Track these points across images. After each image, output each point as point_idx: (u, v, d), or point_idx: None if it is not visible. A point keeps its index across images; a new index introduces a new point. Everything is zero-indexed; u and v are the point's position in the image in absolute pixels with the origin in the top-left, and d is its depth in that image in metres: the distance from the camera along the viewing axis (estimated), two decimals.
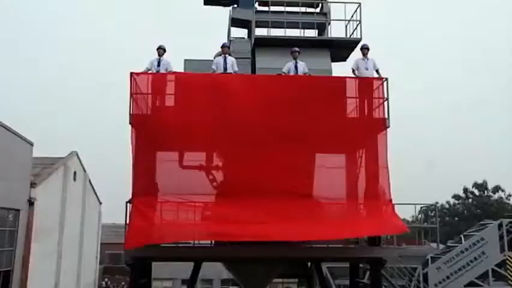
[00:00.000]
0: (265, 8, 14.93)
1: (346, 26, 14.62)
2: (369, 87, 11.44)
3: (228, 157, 11.06)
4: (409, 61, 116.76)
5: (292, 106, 10.75)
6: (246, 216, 9.99)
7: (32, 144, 22.02)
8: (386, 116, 11.32)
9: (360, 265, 13.74)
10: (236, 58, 12.56)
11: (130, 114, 10.74)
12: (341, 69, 14.17)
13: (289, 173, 10.62)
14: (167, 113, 10.94)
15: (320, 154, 11.22)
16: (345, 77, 11.67)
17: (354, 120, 11.24)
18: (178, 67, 12.48)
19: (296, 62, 12.07)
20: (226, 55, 12.18)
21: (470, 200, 52.54)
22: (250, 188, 10.41)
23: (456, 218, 52.13)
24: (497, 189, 50.91)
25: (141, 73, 11.48)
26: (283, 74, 12.01)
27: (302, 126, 10.74)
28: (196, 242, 11.24)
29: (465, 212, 51.97)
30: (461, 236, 21.98)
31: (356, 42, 13.95)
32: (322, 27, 15.05)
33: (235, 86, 10.91)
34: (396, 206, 10.87)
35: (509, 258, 19.39)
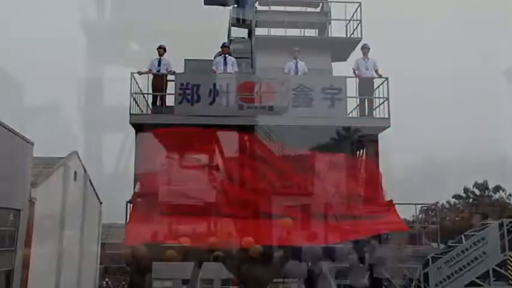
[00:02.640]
0: (266, 8, 14.93)
1: (346, 26, 14.61)
2: None
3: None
4: (409, 60, 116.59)
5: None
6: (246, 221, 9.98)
7: (32, 144, 22.00)
8: (387, 116, 11.37)
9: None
10: (236, 58, 12.60)
11: (130, 114, 10.76)
12: (341, 69, 14.18)
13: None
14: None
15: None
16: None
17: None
18: (178, 67, 12.51)
19: (296, 62, 12.17)
20: (226, 55, 12.23)
21: (470, 200, 52.44)
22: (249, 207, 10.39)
23: (457, 218, 52.00)
24: (497, 189, 50.81)
25: (141, 72, 11.56)
26: (284, 73, 12.09)
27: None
28: None
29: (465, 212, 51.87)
30: (462, 235, 21.93)
31: (356, 42, 13.94)
32: (322, 27, 15.04)
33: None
34: (396, 206, 10.88)
35: (509, 258, 19.30)
